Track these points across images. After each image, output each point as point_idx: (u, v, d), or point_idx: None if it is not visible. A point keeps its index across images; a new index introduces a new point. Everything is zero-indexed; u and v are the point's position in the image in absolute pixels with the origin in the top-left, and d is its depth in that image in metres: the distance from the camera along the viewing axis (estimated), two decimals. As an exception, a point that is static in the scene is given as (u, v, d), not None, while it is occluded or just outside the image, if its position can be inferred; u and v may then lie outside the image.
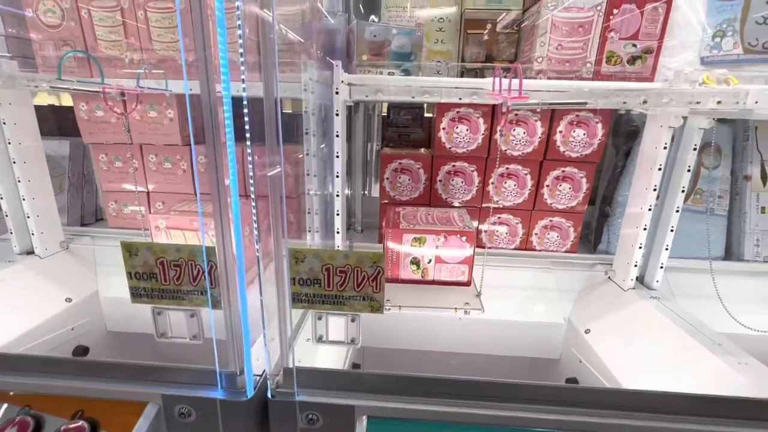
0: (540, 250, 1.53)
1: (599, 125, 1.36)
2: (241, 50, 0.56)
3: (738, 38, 1.22)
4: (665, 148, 1.16)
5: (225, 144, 0.60)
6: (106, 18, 1.30)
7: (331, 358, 1.15)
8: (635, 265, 1.28)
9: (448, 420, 0.67)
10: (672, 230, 1.24)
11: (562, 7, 1.22)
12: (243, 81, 0.57)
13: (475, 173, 1.45)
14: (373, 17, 1.56)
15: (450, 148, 1.42)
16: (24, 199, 1.34)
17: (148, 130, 1.47)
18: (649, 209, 1.22)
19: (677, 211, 1.22)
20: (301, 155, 1.32)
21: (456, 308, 1.08)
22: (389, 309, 1.07)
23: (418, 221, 1.19)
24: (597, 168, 1.43)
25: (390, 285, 1.19)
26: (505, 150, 1.37)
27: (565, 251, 1.52)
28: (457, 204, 1.50)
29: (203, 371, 0.71)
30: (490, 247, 1.51)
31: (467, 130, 1.39)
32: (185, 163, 1.53)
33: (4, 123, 1.26)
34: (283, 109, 1.87)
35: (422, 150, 1.59)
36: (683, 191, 1.20)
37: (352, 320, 0.73)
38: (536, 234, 1.51)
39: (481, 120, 1.38)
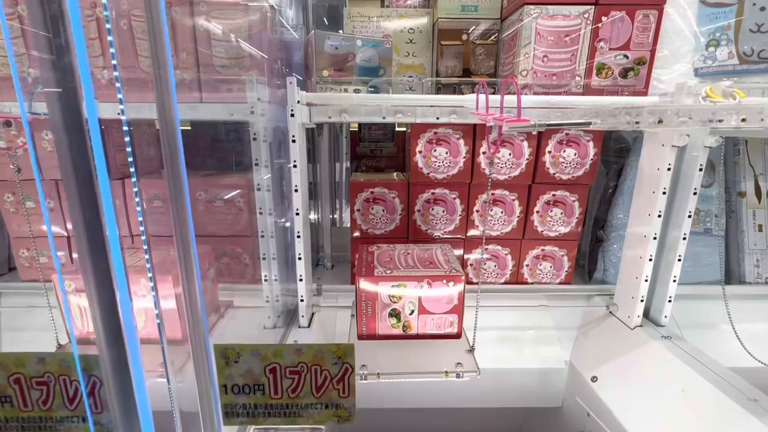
0: (532, 283, 1.37)
1: (590, 144, 1.23)
2: (114, 62, 0.36)
3: (733, 47, 1.13)
4: (669, 169, 1.04)
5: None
6: None
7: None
8: (641, 300, 1.13)
9: None
10: (680, 259, 1.10)
11: (547, 15, 1.08)
12: (121, 101, 0.37)
13: (458, 200, 1.28)
14: (341, 31, 1.38)
15: (428, 173, 1.25)
16: None
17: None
18: (654, 237, 1.08)
19: (684, 238, 1.09)
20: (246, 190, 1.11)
21: (447, 372, 0.89)
22: (365, 379, 0.86)
23: (396, 264, 1.00)
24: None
25: (365, 343, 0.98)
26: (490, 174, 1.21)
27: (560, 282, 1.37)
28: (438, 235, 1.32)
29: None
30: (476, 283, 1.34)
31: (446, 152, 1.22)
32: (118, 201, 1.28)
33: None
34: (228, 133, 1.62)
35: (395, 175, 1.41)
36: (690, 216, 1.08)
37: (313, 434, 0.52)
38: (527, 265, 1.35)
39: (461, 141, 1.22)
